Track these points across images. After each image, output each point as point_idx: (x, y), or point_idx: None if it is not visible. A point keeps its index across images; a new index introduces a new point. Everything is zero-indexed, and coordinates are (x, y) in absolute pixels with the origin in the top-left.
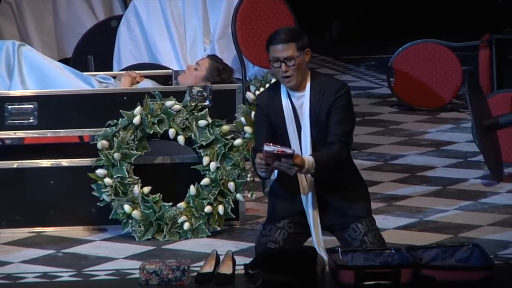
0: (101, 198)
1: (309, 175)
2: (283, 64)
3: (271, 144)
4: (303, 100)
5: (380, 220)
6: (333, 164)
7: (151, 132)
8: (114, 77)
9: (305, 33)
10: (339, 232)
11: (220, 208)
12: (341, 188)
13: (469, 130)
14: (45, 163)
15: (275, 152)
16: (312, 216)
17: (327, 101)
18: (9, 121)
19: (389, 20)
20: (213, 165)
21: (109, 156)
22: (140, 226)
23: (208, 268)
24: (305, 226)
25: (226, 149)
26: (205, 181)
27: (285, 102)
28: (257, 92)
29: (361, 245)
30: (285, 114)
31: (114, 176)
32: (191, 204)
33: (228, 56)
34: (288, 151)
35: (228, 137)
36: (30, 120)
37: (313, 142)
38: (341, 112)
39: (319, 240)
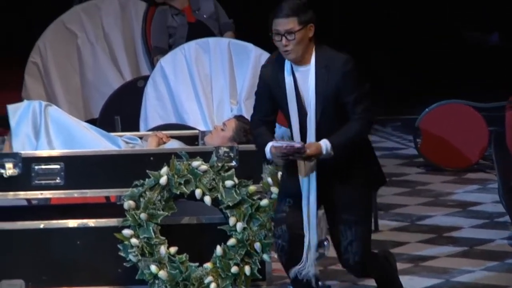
0: (128, 258)
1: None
2: (283, 38)
3: (279, 139)
4: (308, 74)
5: (406, 281)
6: (354, 143)
7: (178, 193)
8: (141, 138)
9: (310, 9)
10: (330, 221)
11: (247, 269)
12: (345, 174)
13: (496, 190)
14: (72, 223)
15: (283, 147)
16: (308, 209)
17: (334, 76)
18: (36, 181)
19: (415, 80)
20: (239, 226)
21: (135, 216)
22: (166, 287)
23: None
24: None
25: (253, 210)
26: (231, 241)
27: (287, 78)
28: None
29: (342, 254)
30: (287, 90)
31: (141, 237)
32: (218, 265)
33: None
34: (296, 145)
35: (255, 197)
36: (57, 180)
37: (319, 116)
38: (354, 90)
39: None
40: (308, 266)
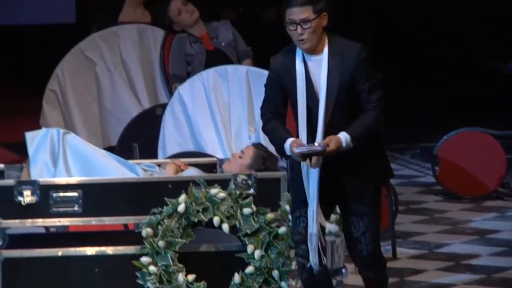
0: (146, 286)
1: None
2: (298, 26)
3: (299, 144)
4: (321, 63)
5: None
6: (371, 133)
7: (196, 220)
8: (159, 165)
9: None
10: (343, 215)
11: None
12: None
13: None
14: (90, 250)
15: (305, 152)
16: (312, 210)
17: (349, 64)
18: (54, 209)
19: (433, 108)
20: (257, 253)
21: (153, 244)
22: None
23: None
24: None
25: (271, 237)
26: (249, 269)
27: (299, 65)
28: None
29: (355, 245)
30: (297, 78)
31: (159, 264)
32: None
33: None
34: (318, 148)
35: (273, 225)
36: (75, 208)
37: (331, 105)
38: (369, 78)
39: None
40: (312, 256)
